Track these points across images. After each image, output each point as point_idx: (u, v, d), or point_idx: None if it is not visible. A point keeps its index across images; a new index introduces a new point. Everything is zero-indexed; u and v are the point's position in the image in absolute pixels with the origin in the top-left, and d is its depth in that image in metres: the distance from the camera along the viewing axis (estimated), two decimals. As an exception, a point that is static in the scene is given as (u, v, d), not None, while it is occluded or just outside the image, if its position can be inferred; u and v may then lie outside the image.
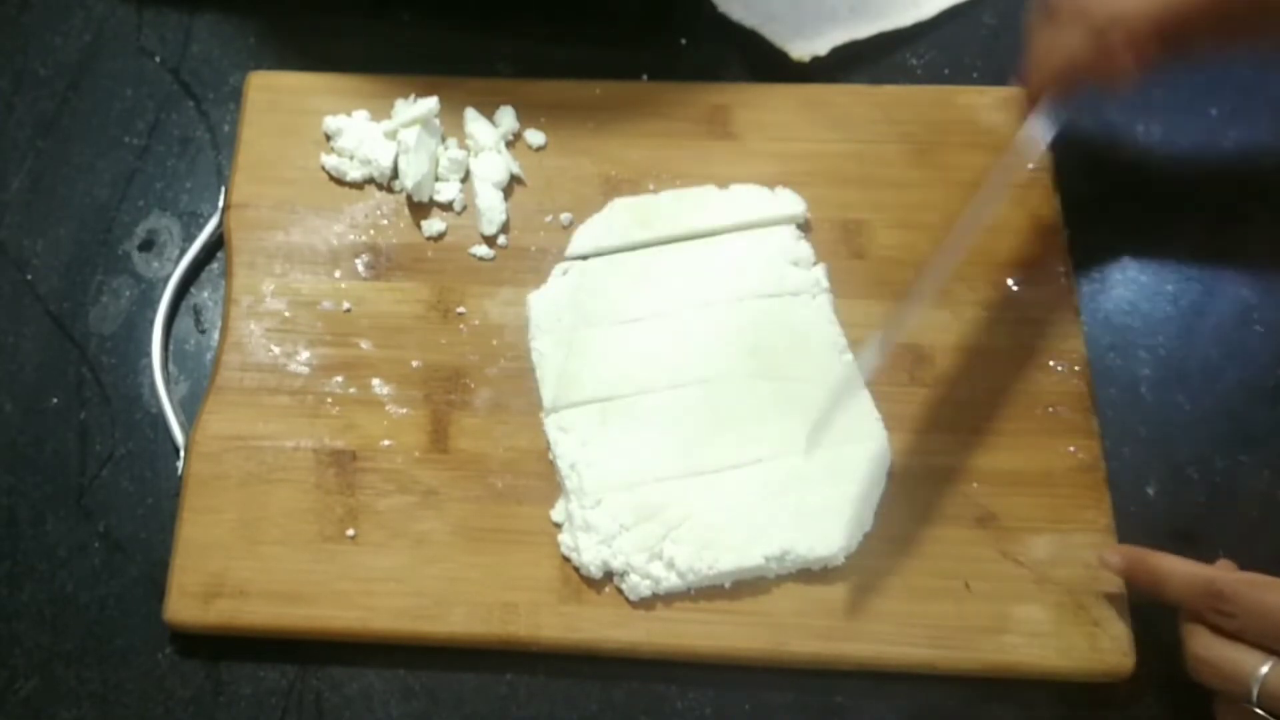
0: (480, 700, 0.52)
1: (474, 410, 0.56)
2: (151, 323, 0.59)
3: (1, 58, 0.67)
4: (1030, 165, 0.57)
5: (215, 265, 0.61)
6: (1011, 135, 0.60)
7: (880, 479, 0.53)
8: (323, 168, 0.61)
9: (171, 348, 0.59)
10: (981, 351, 0.56)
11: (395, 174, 0.61)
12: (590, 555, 0.51)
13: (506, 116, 0.62)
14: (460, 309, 0.58)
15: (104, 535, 0.55)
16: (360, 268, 0.59)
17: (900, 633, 0.50)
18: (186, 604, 0.52)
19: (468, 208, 0.61)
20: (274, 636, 0.52)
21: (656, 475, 0.52)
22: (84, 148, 0.64)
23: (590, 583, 0.52)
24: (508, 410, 0.56)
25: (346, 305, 0.58)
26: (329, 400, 0.56)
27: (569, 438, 0.54)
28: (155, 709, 0.52)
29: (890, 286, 0.58)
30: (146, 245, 0.62)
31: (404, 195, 0.61)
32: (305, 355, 0.57)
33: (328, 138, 0.62)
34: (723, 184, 0.60)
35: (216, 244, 0.61)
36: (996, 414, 0.55)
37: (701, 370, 0.55)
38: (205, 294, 0.61)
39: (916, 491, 0.53)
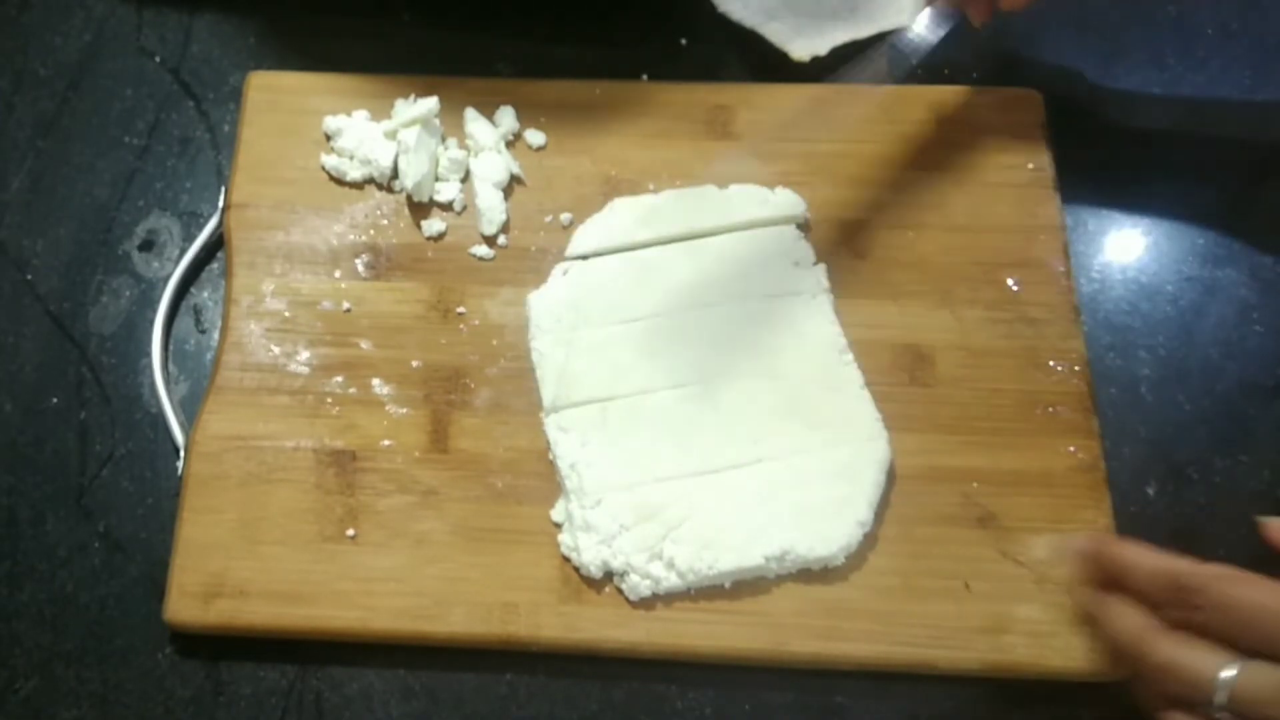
0: (480, 700, 0.52)
1: (474, 410, 0.56)
2: (151, 323, 0.59)
3: (1, 58, 0.67)
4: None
5: (215, 265, 0.61)
6: (1011, 135, 0.60)
7: (880, 479, 0.53)
8: (323, 168, 0.61)
9: (171, 348, 0.59)
10: (981, 351, 0.56)
11: (395, 174, 0.61)
12: (590, 555, 0.51)
13: (506, 116, 0.62)
14: (460, 309, 0.58)
15: (104, 535, 0.55)
16: (360, 268, 0.59)
17: (900, 633, 0.50)
18: (186, 604, 0.52)
19: (468, 208, 0.61)
20: (274, 636, 0.52)
21: (656, 475, 0.52)
22: (84, 148, 0.65)
23: (590, 583, 0.52)
24: (508, 410, 0.56)
25: (346, 305, 0.58)
26: (329, 400, 0.56)
27: (569, 438, 0.54)
28: (155, 709, 0.52)
29: (890, 286, 0.58)
30: (146, 245, 0.62)
31: (404, 195, 0.61)
32: (305, 355, 0.57)
33: (328, 138, 0.62)
34: (723, 184, 0.60)
35: (216, 244, 0.61)
36: (996, 414, 0.55)
37: (701, 370, 0.55)
38: (205, 294, 0.61)
39: (916, 491, 0.53)
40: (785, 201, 0.59)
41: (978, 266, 0.58)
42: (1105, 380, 0.57)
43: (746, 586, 0.51)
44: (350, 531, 0.53)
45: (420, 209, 0.61)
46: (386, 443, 0.55)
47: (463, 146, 0.62)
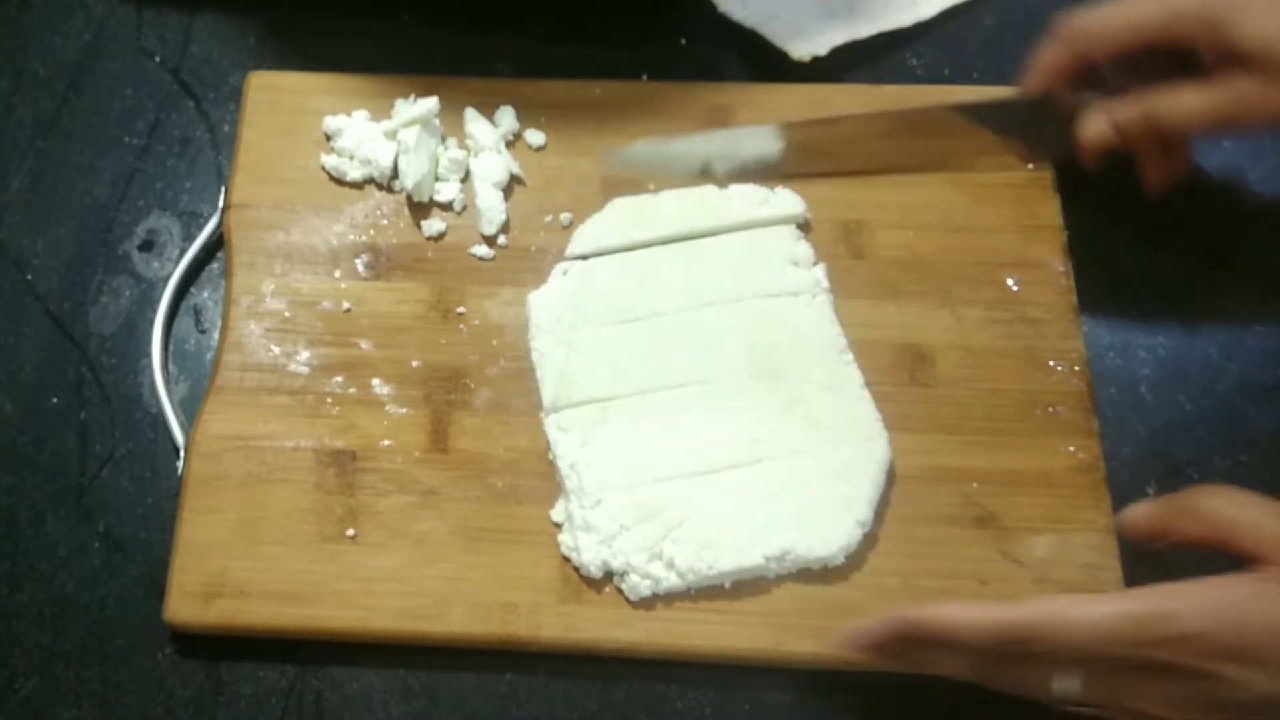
0: (480, 700, 0.52)
1: (474, 410, 0.56)
2: (151, 323, 0.59)
3: (1, 58, 0.67)
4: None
5: (215, 265, 0.61)
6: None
7: (880, 479, 0.53)
8: (323, 168, 0.61)
9: (171, 348, 0.59)
10: (981, 351, 0.56)
11: (395, 174, 0.61)
12: (590, 555, 0.51)
13: (506, 116, 0.62)
14: (460, 309, 0.58)
15: (104, 535, 0.55)
16: (360, 268, 0.59)
17: (900, 633, 0.50)
18: (186, 604, 0.52)
19: (468, 208, 0.61)
20: (274, 636, 0.52)
21: (656, 475, 0.52)
22: (84, 148, 0.65)
23: (590, 583, 0.52)
24: (508, 410, 0.56)
25: (346, 305, 0.58)
26: (329, 400, 0.56)
27: (569, 438, 0.54)
28: (155, 709, 0.52)
29: (890, 286, 0.58)
30: (146, 245, 0.62)
31: (404, 195, 0.61)
32: (305, 355, 0.57)
33: (328, 138, 0.62)
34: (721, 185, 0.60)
35: (216, 244, 0.61)
36: (996, 414, 0.55)
37: (701, 370, 0.55)
38: (205, 294, 0.61)
39: (916, 491, 0.53)
40: (785, 201, 0.59)
41: (978, 266, 0.58)
42: (1105, 380, 0.57)
43: (746, 586, 0.51)
44: (350, 531, 0.53)
45: (420, 209, 0.61)
46: (386, 443, 0.55)
47: (463, 146, 0.62)
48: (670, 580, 0.51)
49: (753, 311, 0.56)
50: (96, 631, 0.54)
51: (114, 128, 0.65)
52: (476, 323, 0.58)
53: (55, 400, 0.58)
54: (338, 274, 0.59)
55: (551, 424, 0.54)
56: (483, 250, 0.59)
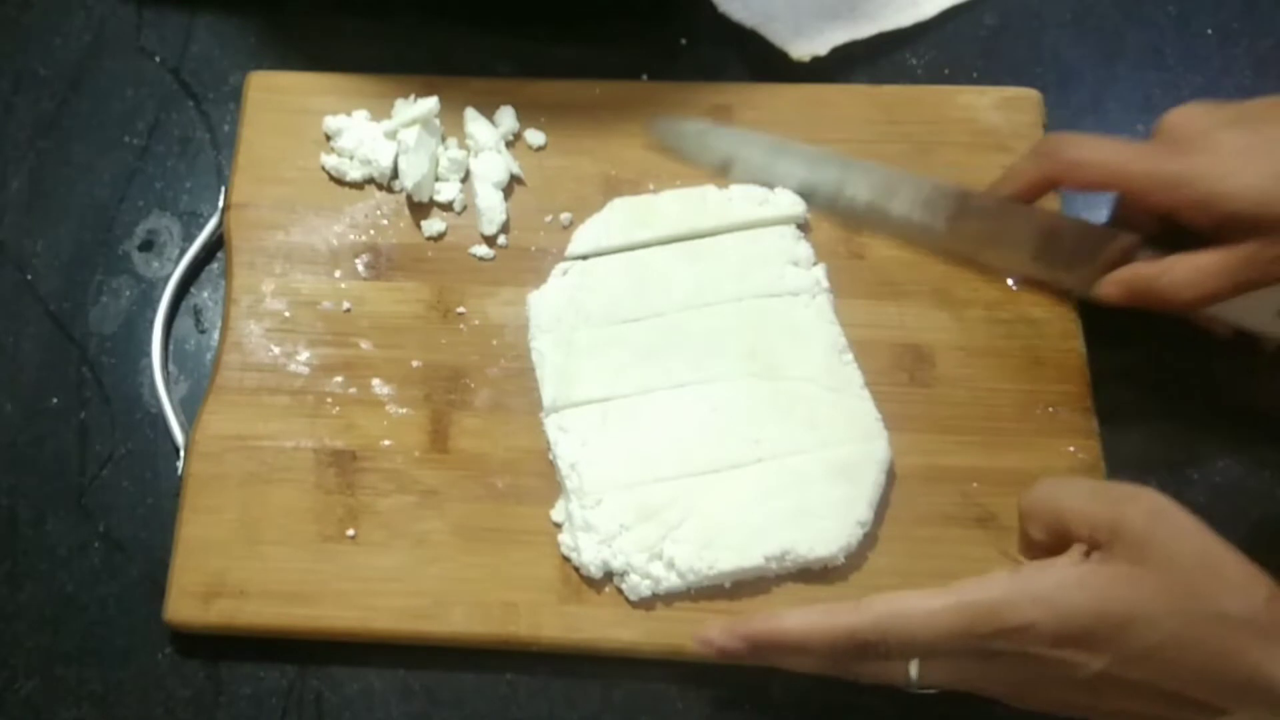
0: (480, 700, 0.52)
1: (474, 410, 0.56)
2: (151, 323, 0.59)
3: (1, 58, 0.67)
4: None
5: (215, 265, 0.61)
6: (1011, 135, 0.60)
7: (880, 479, 0.53)
8: (323, 168, 0.61)
9: (171, 348, 0.59)
10: (981, 351, 0.56)
11: (395, 174, 0.61)
12: (590, 555, 0.51)
13: (506, 116, 0.62)
14: (460, 309, 0.58)
15: (104, 535, 0.55)
16: (360, 268, 0.59)
17: (900, 633, 0.50)
18: (186, 604, 0.52)
19: (468, 208, 0.61)
20: (274, 636, 0.52)
21: (656, 475, 0.52)
22: (84, 148, 0.65)
23: (590, 583, 0.52)
24: (508, 410, 0.56)
25: (346, 305, 0.58)
26: (329, 400, 0.56)
27: (569, 438, 0.54)
28: (155, 709, 0.52)
29: (890, 286, 0.58)
30: (146, 245, 0.62)
31: (404, 195, 0.61)
32: (305, 355, 0.57)
33: (328, 138, 0.62)
34: (722, 185, 0.60)
35: (216, 244, 0.61)
36: (996, 414, 0.55)
37: (701, 370, 0.55)
38: (205, 294, 0.61)
39: (916, 491, 0.53)
40: (785, 202, 0.59)
41: (977, 266, 0.58)
42: (1105, 380, 0.56)
43: (746, 586, 0.51)
44: (350, 531, 0.53)
45: (420, 209, 0.61)
46: (386, 443, 0.55)
47: (463, 146, 0.62)
48: (670, 580, 0.51)
49: (753, 311, 0.56)
50: (96, 631, 0.54)
51: (114, 128, 0.65)
52: (476, 323, 0.58)
53: (55, 400, 0.58)
54: (338, 274, 0.59)
55: (551, 424, 0.54)
56: (483, 250, 0.59)
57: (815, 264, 0.58)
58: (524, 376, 0.56)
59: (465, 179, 0.61)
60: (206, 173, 0.64)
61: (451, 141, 0.62)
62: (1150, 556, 0.41)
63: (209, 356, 0.59)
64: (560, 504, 0.53)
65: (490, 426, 0.55)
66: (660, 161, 0.60)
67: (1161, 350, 0.57)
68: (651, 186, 0.60)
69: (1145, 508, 0.42)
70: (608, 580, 0.52)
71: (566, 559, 0.52)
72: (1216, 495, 0.54)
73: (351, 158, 0.61)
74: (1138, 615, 0.41)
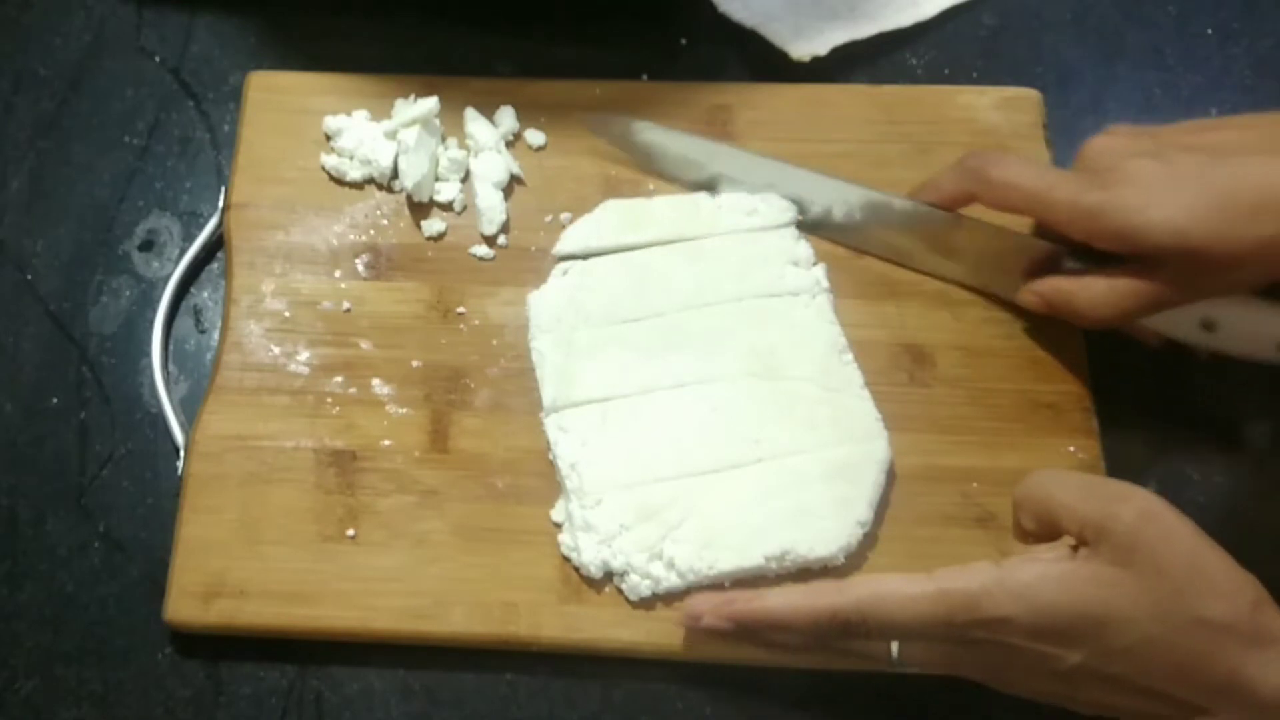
0: (480, 700, 0.52)
1: (474, 410, 0.56)
2: (151, 323, 0.59)
3: (1, 58, 0.67)
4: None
5: (215, 265, 0.61)
6: (1011, 135, 0.60)
7: (880, 479, 0.53)
8: (323, 168, 0.61)
9: (171, 348, 0.59)
10: (981, 351, 0.56)
11: (395, 174, 0.61)
12: (590, 555, 0.51)
13: (506, 116, 0.62)
14: (460, 309, 0.58)
15: (104, 535, 0.55)
16: (360, 268, 0.59)
17: (900, 633, 0.50)
18: (186, 604, 0.52)
19: (468, 208, 0.61)
20: (274, 636, 0.52)
21: (656, 475, 0.52)
22: (84, 148, 0.64)
23: (590, 583, 0.52)
24: (508, 410, 0.56)
25: (346, 305, 0.58)
26: (329, 400, 0.56)
27: (569, 438, 0.54)
28: (155, 709, 0.52)
29: (890, 286, 0.58)
30: (146, 245, 0.62)
31: (404, 195, 0.61)
32: (305, 355, 0.57)
33: (328, 138, 0.62)
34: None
35: (216, 244, 0.61)
36: (996, 414, 0.55)
37: (701, 370, 0.55)
38: (205, 294, 0.61)
39: (916, 491, 0.53)
40: (774, 209, 0.59)
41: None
42: (1105, 380, 0.56)
43: (747, 586, 0.51)
44: (350, 531, 0.53)
45: (420, 209, 0.61)
46: (386, 443, 0.55)
47: (463, 146, 0.62)
48: (670, 580, 0.51)
49: (753, 311, 0.56)
50: (96, 631, 0.54)
51: (114, 128, 0.65)
52: (476, 323, 0.58)
53: (55, 400, 0.58)
54: (338, 274, 0.59)
55: (551, 424, 0.54)
56: (483, 250, 0.59)
57: (815, 264, 0.58)
58: (524, 376, 0.56)
59: (465, 179, 0.61)
60: (206, 173, 0.64)
61: (451, 141, 0.62)
62: (1135, 559, 0.41)
63: (209, 356, 0.59)
64: (560, 504, 0.53)
65: (490, 426, 0.55)
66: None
67: (1161, 349, 0.58)
68: (651, 187, 0.60)
69: (1135, 509, 0.42)
70: (608, 580, 0.52)
71: (566, 559, 0.52)
72: (1216, 495, 0.54)
73: (351, 158, 0.61)
74: (1116, 616, 0.41)
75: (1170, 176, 0.48)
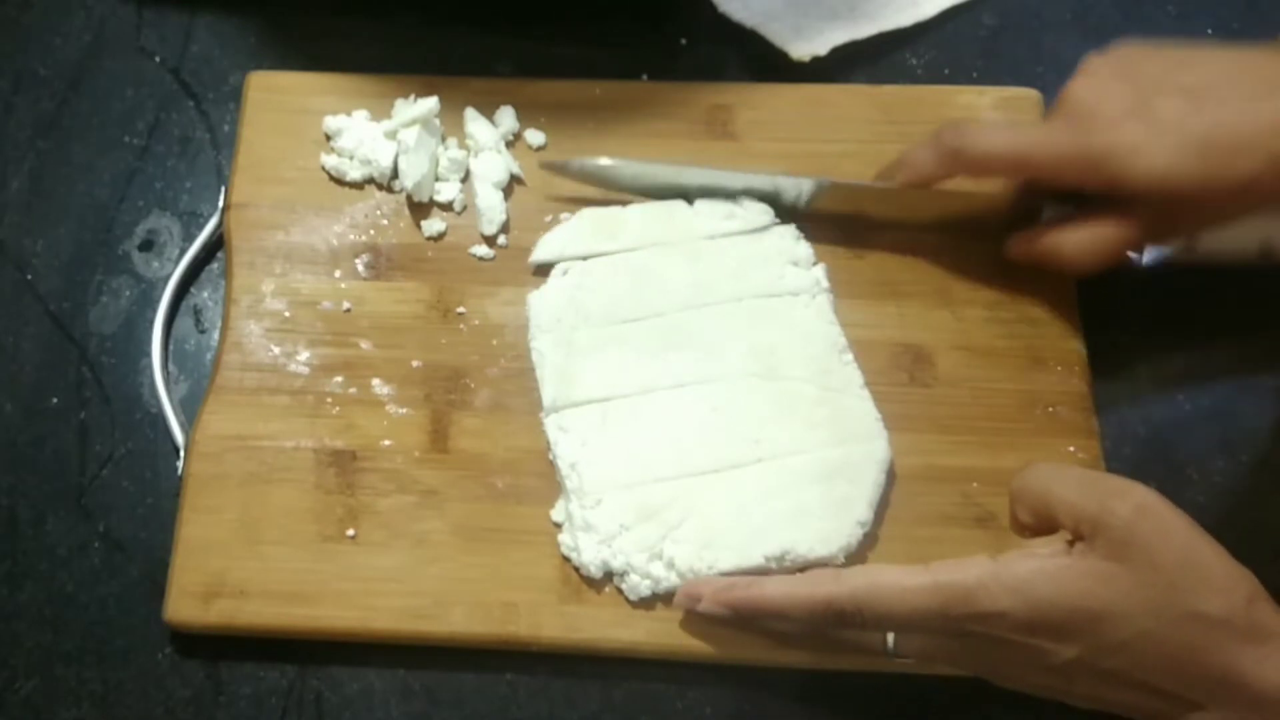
0: (480, 700, 0.52)
1: (474, 410, 0.56)
2: (151, 323, 0.59)
3: (1, 58, 0.67)
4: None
5: (215, 265, 0.61)
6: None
7: (880, 479, 0.53)
8: (323, 168, 0.61)
9: (171, 348, 0.59)
10: (981, 351, 0.56)
11: (395, 174, 0.61)
12: (590, 555, 0.51)
13: (506, 116, 0.62)
14: (460, 309, 0.58)
15: (104, 535, 0.55)
16: (360, 268, 0.59)
17: (900, 632, 0.50)
18: (186, 604, 0.52)
19: (468, 208, 0.61)
20: (274, 636, 0.52)
21: (656, 475, 0.52)
22: (84, 148, 0.65)
23: (590, 583, 0.52)
24: (508, 410, 0.56)
25: (346, 305, 0.58)
26: (329, 400, 0.56)
27: (569, 438, 0.54)
28: (155, 709, 0.52)
29: (890, 286, 0.58)
30: (146, 245, 0.62)
31: (404, 195, 0.61)
32: (305, 355, 0.57)
33: (328, 138, 0.62)
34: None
35: (216, 244, 0.61)
36: (996, 414, 0.55)
37: (701, 370, 0.55)
38: (205, 294, 0.61)
39: (916, 491, 0.53)
40: (752, 214, 0.58)
41: (978, 266, 0.58)
42: (1105, 380, 0.56)
43: (746, 585, 0.51)
44: (350, 531, 0.53)
45: (420, 209, 0.61)
46: (386, 443, 0.55)
47: (463, 146, 0.62)
48: (670, 580, 0.51)
49: (753, 311, 0.56)
50: (96, 631, 0.54)
51: (114, 128, 0.65)
52: (476, 323, 0.58)
53: (55, 400, 0.58)
54: (338, 274, 0.59)
55: (551, 424, 0.54)
56: (483, 250, 0.59)
57: (815, 264, 0.58)
58: (524, 376, 0.56)
59: (465, 179, 0.61)
60: (206, 173, 0.64)
61: (451, 141, 0.62)
62: (1131, 554, 0.41)
63: (209, 356, 0.59)
64: (560, 504, 0.53)
65: (490, 426, 0.55)
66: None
67: (1162, 347, 0.58)
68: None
69: (1132, 504, 0.42)
70: (608, 580, 0.52)
71: (566, 559, 0.52)
72: (1216, 495, 0.54)
73: (351, 158, 0.61)
74: (1110, 611, 0.41)
75: (1151, 123, 0.49)
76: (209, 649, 0.53)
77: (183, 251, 0.61)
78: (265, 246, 0.60)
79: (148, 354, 0.59)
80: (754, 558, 0.50)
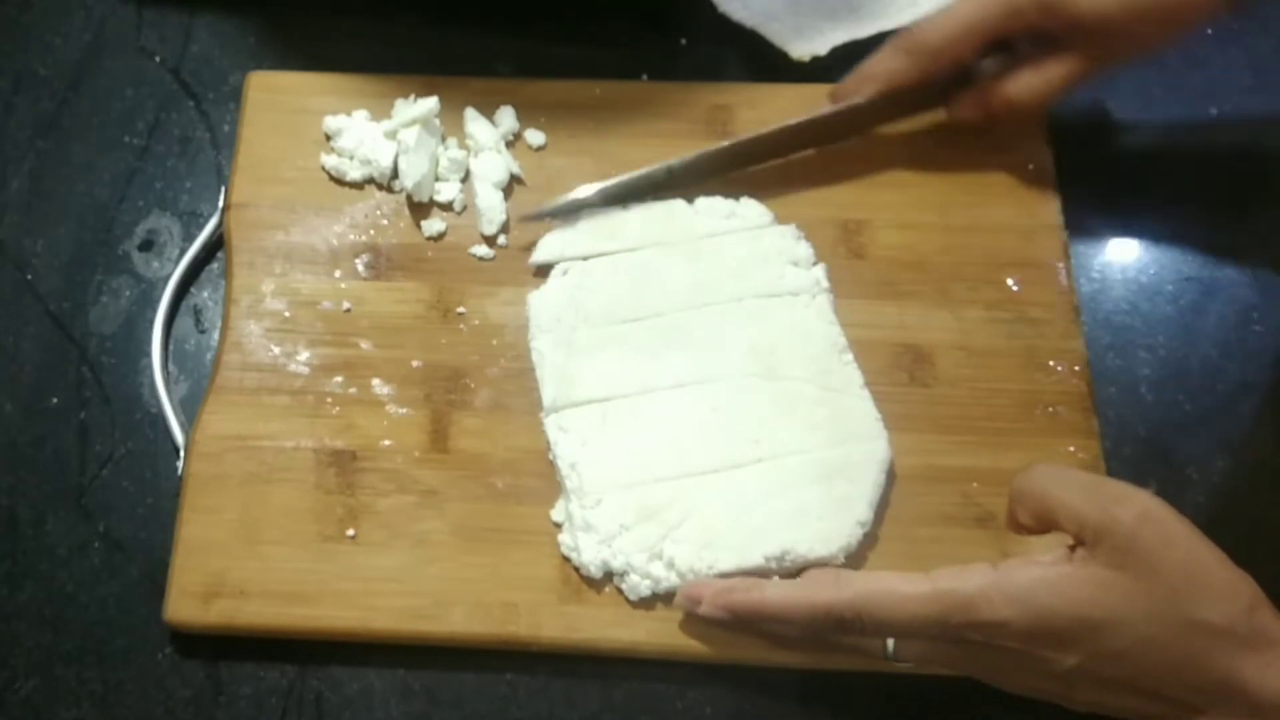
0: (480, 700, 0.52)
1: (474, 410, 0.56)
2: (151, 323, 0.59)
3: (1, 58, 0.67)
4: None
5: (215, 265, 0.61)
6: (1011, 135, 0.60)
7: (880, 479, 0.53)
8: (323, 168, 0.61)
9: (171, 348, 0.59)
10: (981, 351, 0.56)
11: (395, 174, 0.61)
12: (590, 555, 0.51)
13: (506, 116, 0.62)
14: (460, 309, 0.58)
15: (104, 535, 0.55)
16: (360, 268, 0.59)
17: (900, 633, 0.50)
18: (186, 604, 0.52)
19: (468, 208, 0.61)
20: (274, 636, 0.52)
21: (656, 475, 0.52)
22: (84, 148, 0.65)
23: (590, 583, 0.52)
24: (508, 410, 0.56)
25: (346, 305, 0.58)
26: (329, 400, 0.56)
27: (569, 438, 0.54)
28: (155, 709, 0.52)
29: (890, 286, 0.58)
30: (146, 245, 0.62)
31: (404, 195, 0.61)
32: (305, 355, 0.57)
33: (328, 138, 0.62)
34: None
35: (216, 244, 0.61)
36: (996, 414, 0.55)
37: (701, 370, 0.55)
38: (205, 294, 0.61)
39: (916, 491, 0.53)
40: (751, 212, 0.59)
41: (978, 266, 0.58)
42: (1105, 380, 0.57)
43: (746, 585, 0.51)
44: (350, 531, 0.53)
45: (420, 209, 0.61)
46: (386, 443, 0.55)
47: (463, 146, 0.62)
48: (670, 580, 0.50)
49: (753, 311, 0.56)
50: (96, 631, 0.54)
51: (114, 128, 0.65)
52: (476, 323, 0.58)
53: (55, 400, 0.58)
54: (338, 274, 0.59)
55: (551, 424, 0.54)
56: (483, 250, 0.59)
57: (815, 264, 0.58)
58: (524, 376, 0.56)
59: (465, 179, 0.61)
60: (206, 173, 0.64)
61: (451, 141, 0.62)
62: (1133, 562, 0.41)
63: (209, 356, 0.59)
64: (560, 504, 0.53)
65: (490, 426, 0.55)
66: (660, 161, 0.60)
67: (1161, 346, 0.58)
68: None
69: (1135, 511, 0.42)
70: (608, 580, 0.52)
71: (566, 559, 0.52)
72: (1216, 495, 0.54)
73: (351, 158, 0.61)
74: (1111, 620, 0.41)
75: None
76: (209, 649, 0.53)
77: (183, 251, 0.61)
78: (265, 246, 0.60)
79: (148, 354, 0.59)
80: (754, 558, 0.50)
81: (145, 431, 0.57)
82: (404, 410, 0.56)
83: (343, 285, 0.59)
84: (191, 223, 0.62)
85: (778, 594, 0.47)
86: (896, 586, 0.44)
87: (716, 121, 0.62)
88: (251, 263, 0.59)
